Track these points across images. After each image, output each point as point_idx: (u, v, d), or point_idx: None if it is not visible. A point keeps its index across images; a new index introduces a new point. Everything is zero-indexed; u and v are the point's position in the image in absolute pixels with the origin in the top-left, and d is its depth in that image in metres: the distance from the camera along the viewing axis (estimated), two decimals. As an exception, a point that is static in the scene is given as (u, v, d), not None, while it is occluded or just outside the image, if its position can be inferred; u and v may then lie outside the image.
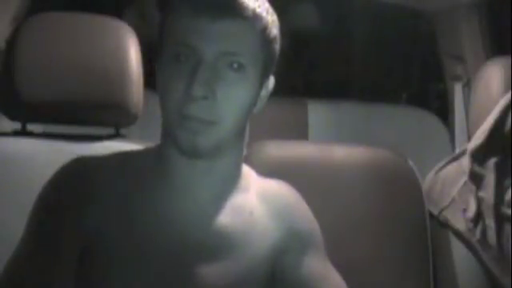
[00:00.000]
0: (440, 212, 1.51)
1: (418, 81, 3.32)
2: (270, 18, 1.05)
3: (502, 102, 1.52)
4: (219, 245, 1.07)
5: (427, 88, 3.08)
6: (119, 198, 1.07)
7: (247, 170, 1.15)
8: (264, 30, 1.03)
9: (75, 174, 1.08)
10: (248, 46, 1.01)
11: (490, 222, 1.43)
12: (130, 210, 1.06)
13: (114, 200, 1.06)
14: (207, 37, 0.99)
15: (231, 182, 1.11)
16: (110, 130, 1.50)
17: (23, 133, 1.47)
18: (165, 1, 1.06)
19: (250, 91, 1.04)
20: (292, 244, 1.12)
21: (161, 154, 1.09)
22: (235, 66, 1.00)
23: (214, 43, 0.99)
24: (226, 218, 1.08)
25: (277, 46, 1.07)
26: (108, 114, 1.44)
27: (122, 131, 1.51)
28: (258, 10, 1.02)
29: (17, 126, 1.48)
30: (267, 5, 1.06)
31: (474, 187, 1.47)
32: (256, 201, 1.13)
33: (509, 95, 1.52)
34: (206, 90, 0.98)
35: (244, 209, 1.10)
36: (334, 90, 2.94)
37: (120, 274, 1.03)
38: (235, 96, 1.01)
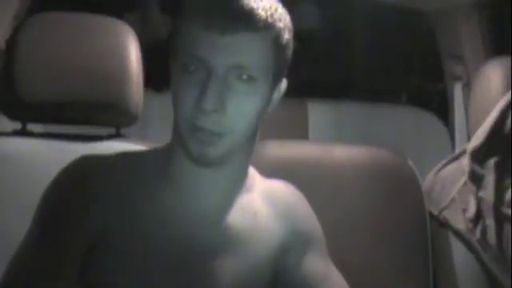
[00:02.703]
0: (440, 212, 1.51)
1: (418, 81, 3.32)
2: (283, 24, 1.03)
3: (502, 102, 1.52)
4: (224, 245, 1.07)
5: (427, 88, 3.09)
6: (124, 198, 1.06)
7: (252, 171, 1.15)
8: (276, 38, 1.02)
9: (80, 173, 1.08)
10: (259, 58, 1.00)
11: (490, 222, 1.43)
12: (134, 210, 1.06)
13: (118, 200, 1.06)
14: (217, 50, 0.98)
15: (238, 183, 1.11)
16: (111, 130, 1.50)
17: (23, 133, 1.47)
18: (176, 9, 1.05)
19: (260, 101, 1.03)
20: (294, 244, 1.13)
21: (168, 156, 1.09)
22: (245, 77, 0.99)
23: (224, 56, 0.98)
24: (230, 218, 1.09)
25: (289, 51, 1.06)
26: (108, 113, 1.44)
27: (122, 131, 1.51)
28: (270, 20, 1.00)
29: (17, 125, 1.48)
30: (280, 10, 1.03)
31: (473, 187, 1.47)
32: (260, 202, 1.13)
33: (509, 95, 1.52)
34: (217, 104, 0.98)
35: (248, 210, 1.11)
36: (334, 90, 2.94)
37: (123, 273, 1.03)
38: (246, 108, 1.01)
